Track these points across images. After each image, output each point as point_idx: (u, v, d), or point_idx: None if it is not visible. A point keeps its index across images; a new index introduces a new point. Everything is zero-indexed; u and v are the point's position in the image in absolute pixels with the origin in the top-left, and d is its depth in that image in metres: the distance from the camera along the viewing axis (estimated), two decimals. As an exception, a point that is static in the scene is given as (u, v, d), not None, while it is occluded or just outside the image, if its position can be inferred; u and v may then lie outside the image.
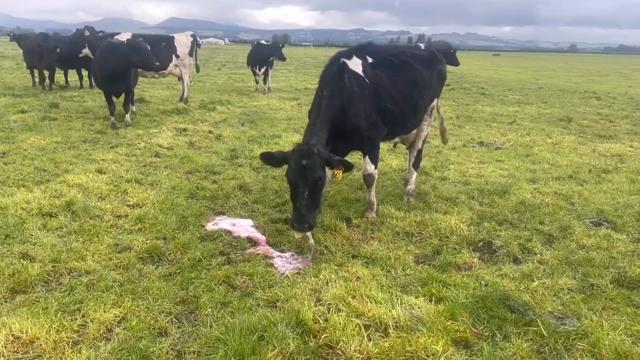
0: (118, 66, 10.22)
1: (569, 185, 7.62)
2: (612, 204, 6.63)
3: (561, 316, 3.93)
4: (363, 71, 5.71)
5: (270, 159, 5.06)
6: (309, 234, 4.94)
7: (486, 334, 3.69)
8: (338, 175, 5.05)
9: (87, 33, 15.00)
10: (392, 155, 9.30)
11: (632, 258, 5.05)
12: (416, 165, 6.98)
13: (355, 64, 5.73)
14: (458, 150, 10.17)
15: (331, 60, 5.84)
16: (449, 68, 8.68)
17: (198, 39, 15.30)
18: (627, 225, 5.91)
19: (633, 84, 32.18)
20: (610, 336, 3.55)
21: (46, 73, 16.99)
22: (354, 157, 8.18)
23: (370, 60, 5.87)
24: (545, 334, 3.63)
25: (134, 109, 12.49)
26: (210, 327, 3.63)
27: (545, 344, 3.56)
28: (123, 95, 10.99)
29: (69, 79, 18.72)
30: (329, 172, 5.11)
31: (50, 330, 3.44)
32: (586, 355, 3.39)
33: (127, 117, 11.14)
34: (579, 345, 3.51)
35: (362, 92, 5.59)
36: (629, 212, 6.26)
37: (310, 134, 5.22)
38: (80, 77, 18.30)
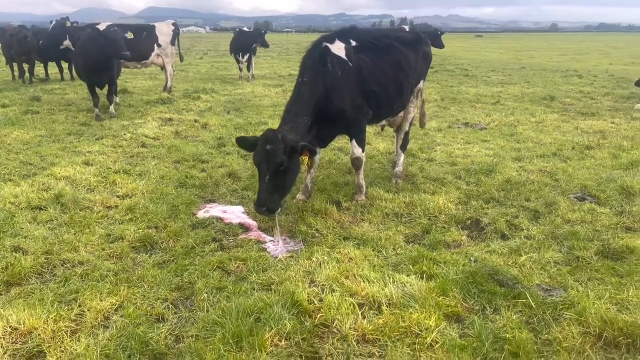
0: (100, 57, 10.10)
1: (553, 162, 7.75)
2: (595, 179, 6.77)
3: (548, 288, 4.05)
4: (346, 55, 5.72)
5: (245, 142, 5.21)
6: (277, 220, 5.07)
7: (477, 307, 3.79)
8: (305, 162, 5.12)
9: (68, 23, 14.62)
10: (379, 139, 9.36)
11: (615, 230, 5.19)
12: (403, 147, 7.04)
13: (338, 48, 5.74)
14: (444, 131, 10.26)
15: (313, 44, 5.85)
16: (433, 50, 8.71)
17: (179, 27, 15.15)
18: (610, 199, 6.05)
19: (613, 61, 32.53)
20: (596, 305, 3.66)
21: (26, 66, 16.72)
22: (342, 141, 8.23)
23: (353, 43, 5.89)
24: (533, 306, 3.74)
25: (117, 100, 12.36)
26: (207, 311, 3.68)
27: (533, 315, 3.67)
28: (106, 86, 10.88)
29: (49, 72, 18.45)
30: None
31: (47, 320, 3.46)
32: (573, 324, 3.51)
33: (111, 108, 11.05)
34: (566, 314, 3.62)
35: (346, 75, 5.61)
36: (612, 187, 6.40)
37: (283, 121, 5.28)
38: (61, 70, 18.04)
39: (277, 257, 4.60)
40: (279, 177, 4.89)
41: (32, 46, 15.83)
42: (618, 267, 4.37)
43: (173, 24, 14.65)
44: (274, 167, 4.82)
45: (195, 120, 10.82)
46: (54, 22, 15.47)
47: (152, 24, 14.46)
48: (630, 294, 3.86)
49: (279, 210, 5.04)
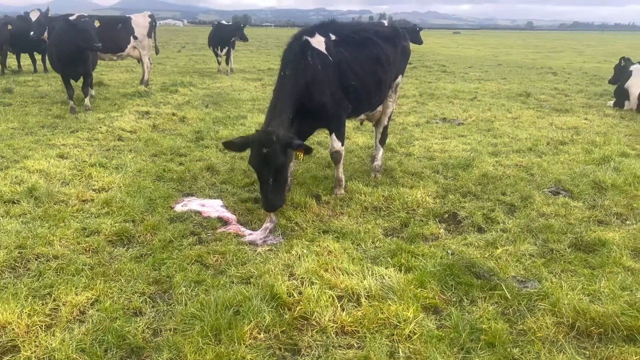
0: (74, 48, 9.89)
1: (529, 157, 7.88)
2: (569, 174, 6.91)
3: (523, 280, 4.13)
4: (326, 49, 5.72)
5: (233, 146, 5.15)
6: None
7: (454, 299, 3.85)
8: (299, 157, 5.14)
9: (50, 14, 14.04)
10: (359, 133, 9.38)
11: (588, 224, 5.31)
12: (382, 142, 7.07)
13: (318, 42, 5.73)
14: (422, 126, 10.33)
15: (293, 38, 5.83)
16: (411, 46, 8.76)
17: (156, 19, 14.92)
18: (583, 193, 6.18)
19: (587, 59, 33.16)
20: (569, 296, 3.75)
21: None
22: (321, 135, 8.23)
23: (333, 37, 5.88)
24: (509, 297, 3.81)
25: (93, 92, 12.14)
26: (185, 304, 3.65)
27: (509, 306, 3.74)
28: (81, 78, 10.68)
29: (21, 63, 18.03)
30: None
31: (21, 315, 3.40)
32: (547, 314, 3.59)
33: (87, 100, 10.84)
34: (540, 305, 3.70)
35: (326, 69, 5.61)
36: (585, 181, 6.54)
37: (271, 117, 5.25)
38: (34, 61, 17.63)
39: (256, 251, 4.58)
40: (279, 176, 4.92)
41: (5, 37, 15.40)
42: (590, 259, 4.48)
43: (150, 16, 14.42)
44: (275, 169, 4.83)
45: (173, 114, 10.70)
46: (38, 13, 14.69)
47: (128, 15, 14.22)
48: (601, 285, 3.96)
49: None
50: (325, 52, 5.68)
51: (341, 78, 5.74)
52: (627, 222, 5.42)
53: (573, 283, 4.02)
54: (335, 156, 6.01)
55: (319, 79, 5.52)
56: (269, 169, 4.82)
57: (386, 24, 7.10)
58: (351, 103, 5.93)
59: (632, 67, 13.01)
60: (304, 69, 5.46)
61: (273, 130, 4.92)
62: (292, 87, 5.37)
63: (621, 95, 12.75)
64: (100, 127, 9.13)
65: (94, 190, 6.00)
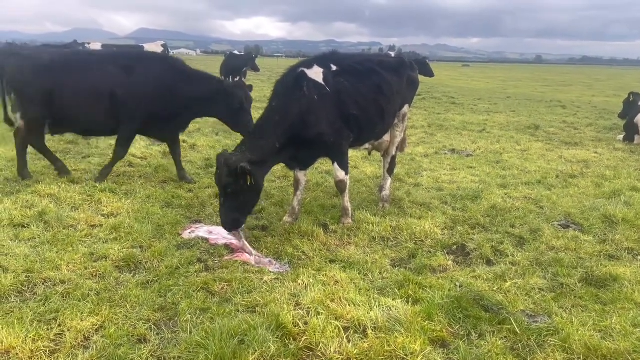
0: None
1: (538, 190, 7.84)
2: (579, 207, 6.86)
3: (533, 314, 4.06)
4: (324, 79, 5.77)
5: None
6: (241, 234, 5.34)
7: (462, 333, 3.79)
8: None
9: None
10: (367, 163, 9.42)
11: (598, 258, 5.24)
12: (390, 172, 7.09)
13: (316, 73, 5.80)
14: (430, 157, 10.36)
15: (288, 70, 5.97)
16: (421, 78, 8.85)
17: (169, 48, 15.25)
18: (593, 227, 6.13)
19: (596, 93, 33.27)
20: (580, 332, 3.68)
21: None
22: (329, 165, 8.25)
23: (333, 68, 5.96)
24: (518, 332, 3.74)
25: (105, 119, 12.31)
26: (190, 332, 3.62)
27: (518, 341, 3.67)
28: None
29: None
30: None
31: (26, 340, 3.39)
32: (557, 350, 3.51)
33: (99, 127, 10.97)
34: (550, 341, 3.63)
35: (323, 99, 5.67)
36: (595, 215, 6.49)
37: (242, 141, 5.55)
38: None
39: (262, 279, 4.56)
40: (230, 197, 5.12)
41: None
42: (601, 295, 4.40)
43: (162, 45, 14.78)
44: (222, 189, 5.11)
45: (184, 141, 10.79)
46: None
47: (141, 45, 14.57)
48: (613, 321, 3.89)
49: (241, 227, 5.33)
50: (323, 83, 5.74)
51: (341, 108, 5.80)
52: (639, 257, 5.35)
53: (584, 319, 3.95)
54: (340, 185, 6.03)
55: (314, 109, 5.58)
56: (220, 188, 5.17)
57: (393, 56, 7.18)
58: (353, 132, 5.97)
59: (641, 102, 13.05)
60: (298, 99, 5.55)
61: (227, 153, 5.25)
62: (282, 117, 5.47)
63: (631, 130, 12.75)
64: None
65: (103, 215, 6.04)
